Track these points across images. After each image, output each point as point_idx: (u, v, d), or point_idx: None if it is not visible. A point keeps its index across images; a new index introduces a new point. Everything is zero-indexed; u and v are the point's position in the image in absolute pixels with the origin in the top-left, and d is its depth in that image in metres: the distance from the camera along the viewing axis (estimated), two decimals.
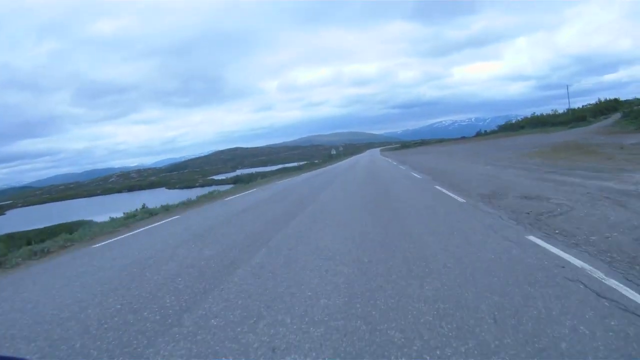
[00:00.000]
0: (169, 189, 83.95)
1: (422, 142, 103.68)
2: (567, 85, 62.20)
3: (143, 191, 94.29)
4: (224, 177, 75.11)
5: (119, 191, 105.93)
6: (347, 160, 59.29)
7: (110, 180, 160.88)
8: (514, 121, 74.11)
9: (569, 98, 58.92)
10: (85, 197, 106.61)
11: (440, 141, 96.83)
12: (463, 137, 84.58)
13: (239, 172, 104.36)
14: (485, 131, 78.62)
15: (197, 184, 75.21)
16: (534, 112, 65.20)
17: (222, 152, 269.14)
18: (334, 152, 67.04)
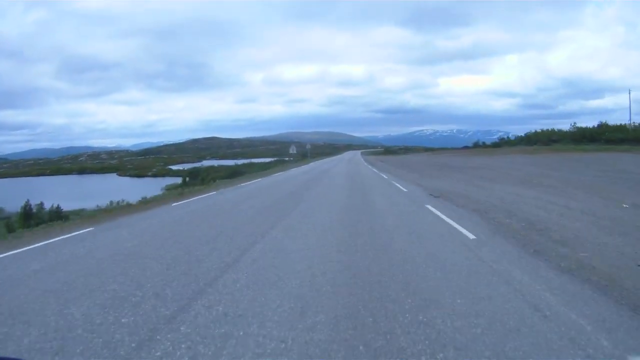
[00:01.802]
0: (121, 175, 74.40)
1: (408, 149, 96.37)
2: (630, 90, 47.98)
3: (93, 175, 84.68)
4: (181, 168, 65.93)
5: (70, 172, 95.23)
6: (306, 166, 38.09)
7: (80, 159, 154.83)
8: (523, 133, 60.72)
9: (630, 109, 46.67)
10: (33, 176, 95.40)
11: (429, 150, 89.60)
12: (466, 147, 76.26)
13: (205, 162, 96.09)
14: (484, 143, 71.32)
15: (149, 173, 65.60)
16: (576, 123, 49.12)
17: (198, 140, 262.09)
18: (293, 150, 48.88)
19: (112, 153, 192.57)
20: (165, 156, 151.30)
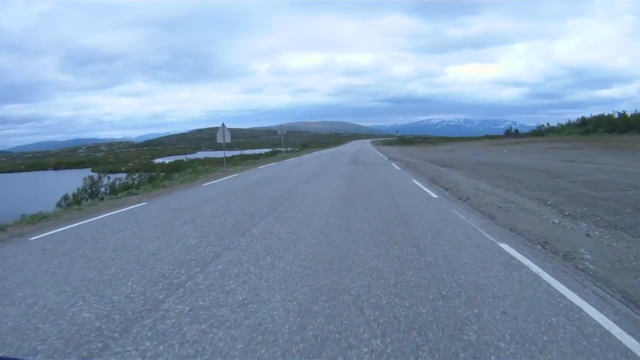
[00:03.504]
0: (94, 171, 64.49)
1: (425, 139, 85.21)
2: None
3: (66, 171, 74.80)
4: (162, 161, 55.89)
5: (45, 168, 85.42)
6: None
7: (79, 152, 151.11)
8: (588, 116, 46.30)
9: None
10: (8, 172, 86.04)
11: (448, 140, 78.41)
12: (499, 137, 64.04)
13: (199, 153, 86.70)
14: (517, 131, 60.41)
15: (123, 169, 55.33)
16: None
17: (202, 130, 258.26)
18: (224, 137, 22.33)
19: (112, 145, 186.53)
20: (159, 148, 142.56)
